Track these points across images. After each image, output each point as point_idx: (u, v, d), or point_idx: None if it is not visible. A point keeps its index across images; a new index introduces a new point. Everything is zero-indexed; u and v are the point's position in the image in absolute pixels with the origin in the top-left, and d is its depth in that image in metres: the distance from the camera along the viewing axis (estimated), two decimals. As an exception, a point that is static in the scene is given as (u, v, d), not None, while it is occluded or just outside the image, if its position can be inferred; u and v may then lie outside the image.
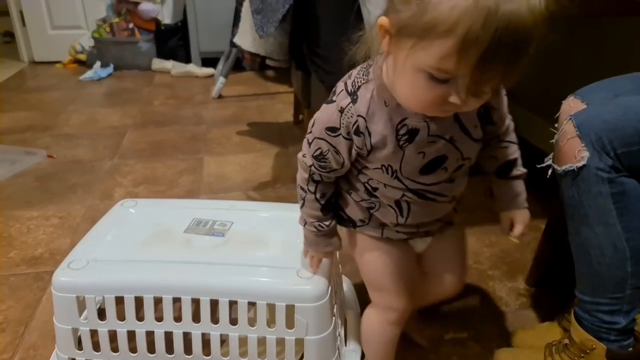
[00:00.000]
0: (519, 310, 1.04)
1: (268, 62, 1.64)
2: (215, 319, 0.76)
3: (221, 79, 2.49)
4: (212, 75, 2.87)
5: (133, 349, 0.79)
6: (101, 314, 0.78)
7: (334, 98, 0.62)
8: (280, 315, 0.75)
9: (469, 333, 0.98)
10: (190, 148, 1.91)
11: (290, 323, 0.75)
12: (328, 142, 0.63)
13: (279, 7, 1.26)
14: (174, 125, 2.16)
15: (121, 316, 0.77)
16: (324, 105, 0.63)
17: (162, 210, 0.98)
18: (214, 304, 0.76)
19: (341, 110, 0.60)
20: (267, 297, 0.75)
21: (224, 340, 0.78)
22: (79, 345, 0.79)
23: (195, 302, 0.76)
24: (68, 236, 1.30)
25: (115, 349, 0.79)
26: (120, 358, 0.79)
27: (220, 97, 2.54)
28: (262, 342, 0.77)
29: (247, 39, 1.53)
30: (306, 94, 1.69)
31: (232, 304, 0.76)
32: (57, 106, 2.38)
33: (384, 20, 0.52)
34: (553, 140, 0.78)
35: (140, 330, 0.77)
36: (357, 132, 0.61)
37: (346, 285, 1.08)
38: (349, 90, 0.61)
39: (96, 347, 0.79)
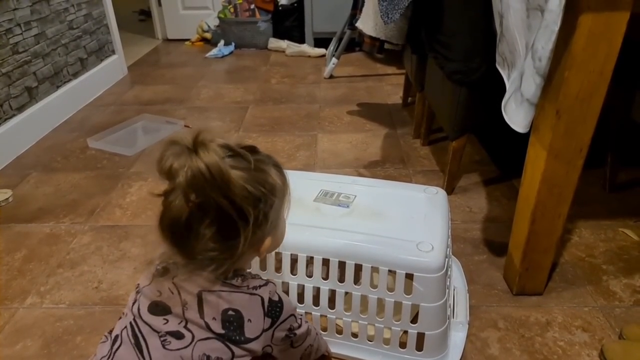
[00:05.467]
0: (632, 306, 1.03)
1: (386, 45, 1.71)
2: (341, 279, 0.88)
3: (334, 60, 2.60)
4: (323, 55, 2.99)
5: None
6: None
7: None
8: (400, 282, 0.84)
9: (577, 322, 1.00)
10: (306, 125, 2.05)
11: (407, 290, 0.85)
12: None
13: (405, -5, 1.31)
14: (290, 103, 2.32)
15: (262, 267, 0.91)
16: None
17: (293, 180, 1.11)
18: (341, 265, 0.87)
19: None
20: (390, 265, 0.84)
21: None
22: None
23: (325, 263, 0.88)
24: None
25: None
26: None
27: (331, 77, 2.66)
28: (379, 303, 0.87)
29: (368, 23, 1.61)
30: (420, 78, 1.73)
31: (357, 268, 0.86)
32: (188, 81, 2.66)
33: None
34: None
35: (278, 280, 0.92)
36: None
37: (454, 263, 1.14)
38: None
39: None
